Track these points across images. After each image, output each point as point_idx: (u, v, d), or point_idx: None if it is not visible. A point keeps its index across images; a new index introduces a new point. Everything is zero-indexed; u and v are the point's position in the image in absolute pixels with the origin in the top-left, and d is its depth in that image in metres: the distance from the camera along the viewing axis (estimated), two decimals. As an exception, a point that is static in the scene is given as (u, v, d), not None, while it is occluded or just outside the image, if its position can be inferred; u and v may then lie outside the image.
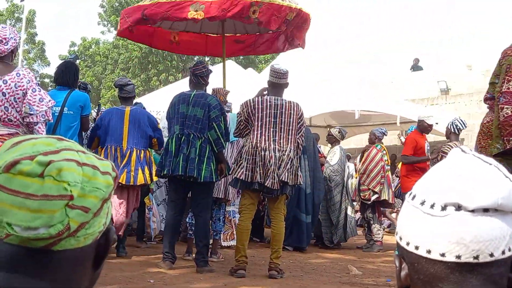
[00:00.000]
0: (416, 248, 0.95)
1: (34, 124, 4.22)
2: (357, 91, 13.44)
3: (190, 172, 5.42)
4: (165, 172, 5.59)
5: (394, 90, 17.19)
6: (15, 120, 4.16)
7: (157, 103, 11.19)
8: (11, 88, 4.11)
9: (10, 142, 1.02)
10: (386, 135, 9.09)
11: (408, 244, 0.97)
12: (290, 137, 5.52)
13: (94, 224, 1.00)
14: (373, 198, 8.39)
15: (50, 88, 29.64)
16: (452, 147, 6.30)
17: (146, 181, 6.09)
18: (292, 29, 7.84)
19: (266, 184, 5.34)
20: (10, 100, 4.12)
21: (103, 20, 37.61)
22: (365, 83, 15.83)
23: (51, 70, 36.98)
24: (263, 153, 5.38)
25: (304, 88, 11.70)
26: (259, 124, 5.46)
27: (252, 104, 5.53)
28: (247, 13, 6.92)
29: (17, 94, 4.13)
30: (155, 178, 6.38)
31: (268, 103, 5.50)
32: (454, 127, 7.68)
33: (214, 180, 5.65)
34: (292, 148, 5.51)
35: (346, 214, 8.61)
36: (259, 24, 7.34)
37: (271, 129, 5.46)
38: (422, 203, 0.96)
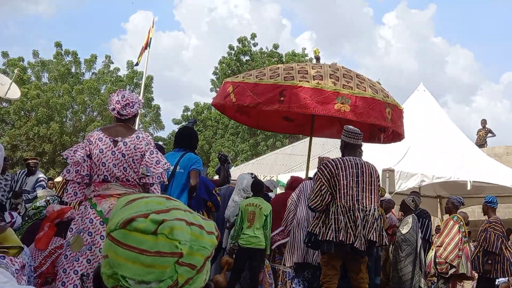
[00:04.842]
0: None
1: (150, 185, 4.35)
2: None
3: None
4: None
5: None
6: (132, 180, 4.30)
7: (263, 167, 11.38)
8: (131, 150, 4.30)
9: (124, 200, 1.11)
10: (463, 205, 8.71)
11: None
12: (372, 196, 5.37)
13: (196, 281, 1.06)
14: (450, 271, 8.06)
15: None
16: None
17: None
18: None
19: (355, 245, 5.16)
20: (129, 161, 4.28)
21: (216, 86, 39.17)
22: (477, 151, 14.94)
23: (164, 134, 38.61)
24: (349, 213, 5.23)
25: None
26: (344, 184, 5.29)
27: (334, 164, 5.37)
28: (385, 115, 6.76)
29: (136, 155, 4.29)
30: None
31: (349, 163, 5.37)
32: None
33: None
34: (375, 208, 5.36)
35: (419, 286, 8.26)
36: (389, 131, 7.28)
37: (355, 189, 5.30)
38: None
